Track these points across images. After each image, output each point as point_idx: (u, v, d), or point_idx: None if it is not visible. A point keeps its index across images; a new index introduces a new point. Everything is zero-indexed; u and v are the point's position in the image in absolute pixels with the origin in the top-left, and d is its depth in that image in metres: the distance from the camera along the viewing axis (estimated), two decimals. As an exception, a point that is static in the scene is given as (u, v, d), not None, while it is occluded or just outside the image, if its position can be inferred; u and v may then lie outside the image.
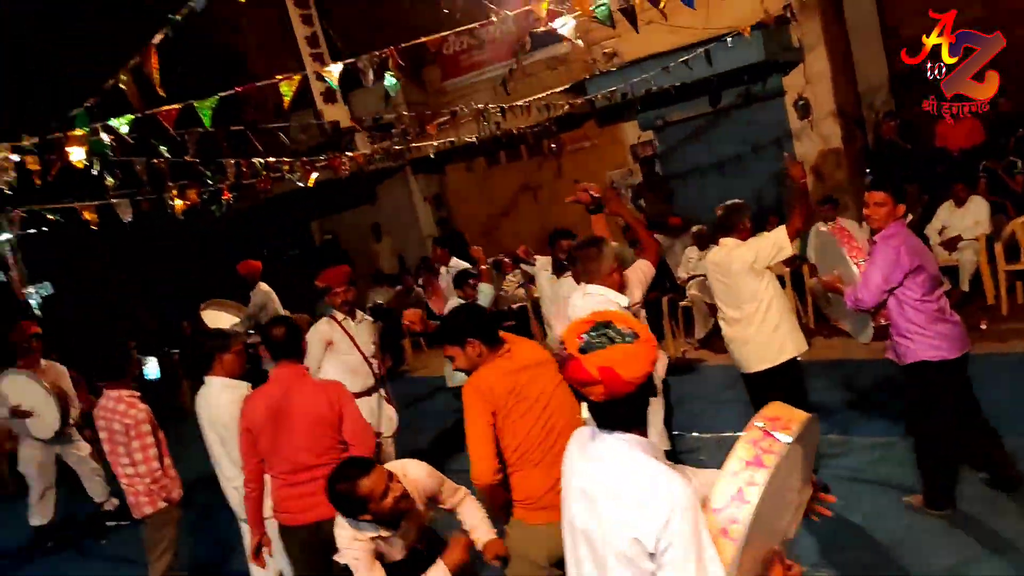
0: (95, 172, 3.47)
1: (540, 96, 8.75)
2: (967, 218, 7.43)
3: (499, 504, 2.90)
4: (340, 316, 4.92)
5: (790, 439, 1.67)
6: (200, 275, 14.42)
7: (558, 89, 9.35)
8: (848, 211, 8.73)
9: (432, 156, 12.50)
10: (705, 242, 8.26)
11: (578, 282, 3.85)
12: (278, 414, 3.22)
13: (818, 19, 9.00)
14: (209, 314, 8.63)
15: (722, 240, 4.68)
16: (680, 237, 9.88)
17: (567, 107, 9.90)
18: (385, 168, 12.76)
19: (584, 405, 1.84)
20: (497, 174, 12.88)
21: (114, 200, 4.51)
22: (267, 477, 3.42)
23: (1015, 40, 8.14)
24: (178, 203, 4.79)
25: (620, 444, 1.78)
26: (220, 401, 3.63)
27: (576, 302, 3.66)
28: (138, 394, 4.18)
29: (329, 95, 11.23)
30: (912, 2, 8.74)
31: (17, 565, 6.38)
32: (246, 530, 3.62)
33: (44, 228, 5.82)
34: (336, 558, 2.79)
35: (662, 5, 4.25)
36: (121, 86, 2.70)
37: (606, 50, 10.24)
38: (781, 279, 6.62)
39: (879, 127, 9.09)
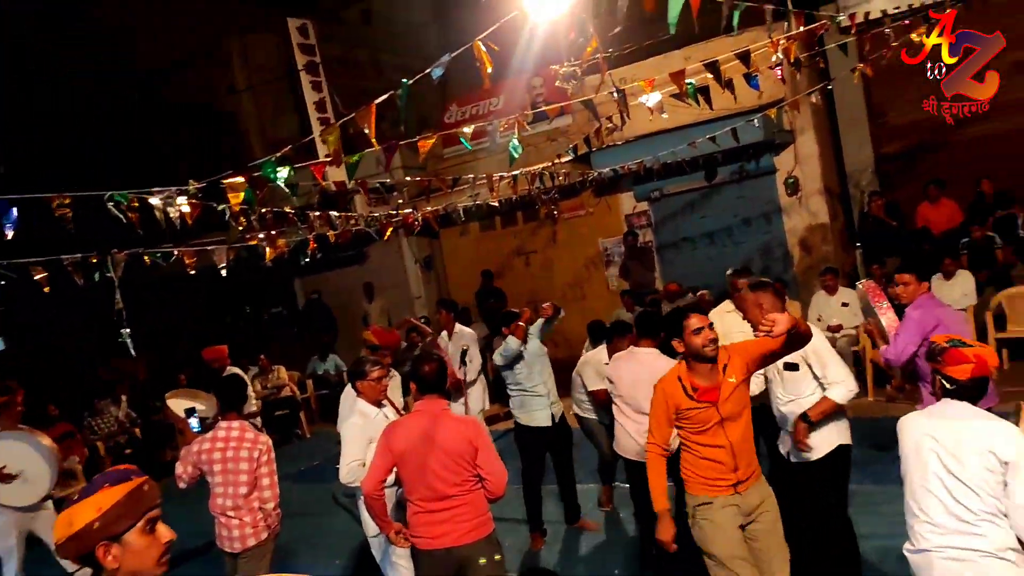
0: (227, 218, 3.68)
1: (545, 166, 9.17)
2: (955, 290, 8.07)
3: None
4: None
5: None
6: (188, 328, 14.29)
7: (563, 160, 9.86)
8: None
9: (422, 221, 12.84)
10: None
11: None
12: (422, 444, 3.42)
13: (809, 107, 9.80)
14: (174, 403, 8.23)
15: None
16: (675, 303, 10.37)
17: (566, 178, 10.43)
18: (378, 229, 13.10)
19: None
20: (491, 239, 13.27)
21: (211, 247, 4.68)
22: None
23: (1008, 143, 9.13)
24: (268, 251, 4.97)
25: (972, 408, 2.82)
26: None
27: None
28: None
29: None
30: (895, 95, 9.67)
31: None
32: (375, 544, 4.02)
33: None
34: None
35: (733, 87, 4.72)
36: (321, 141, 2.95)
37: (608, 125, 10.87)
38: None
39: (866, 205, 9.84)
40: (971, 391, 2.82)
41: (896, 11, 6.50)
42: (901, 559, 3.01)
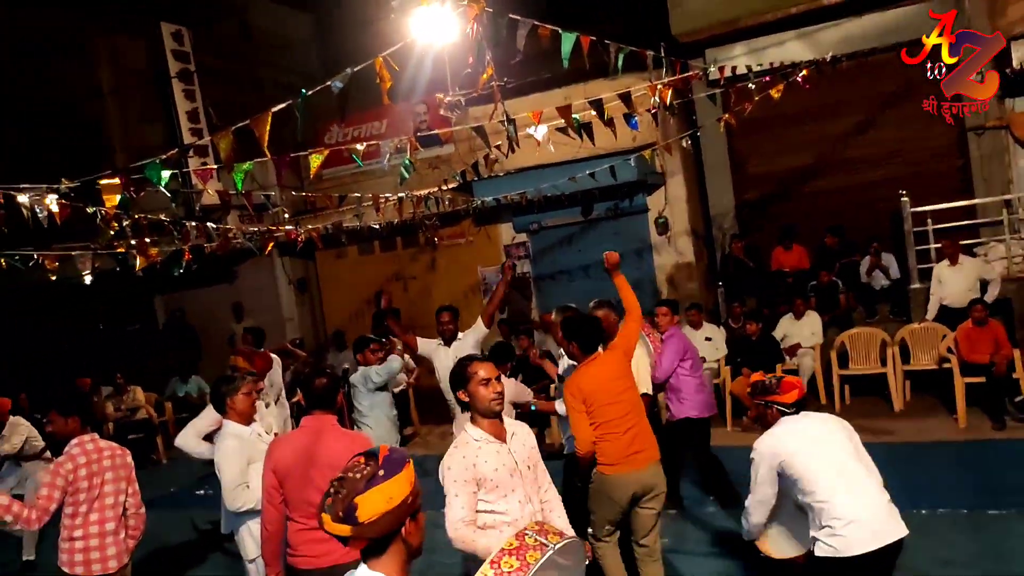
0: (100, 222, 3.48)
1: (429, 191, 9.25)
2: (804, 329, 8.76)
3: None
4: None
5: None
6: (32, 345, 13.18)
7: (447, 187, 9.96)
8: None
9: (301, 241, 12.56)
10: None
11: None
12: (307, 460, 3.33)
13: (679, 152, 10.42)
14: None
15: None
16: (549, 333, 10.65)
17: (451, 205, 10.56)
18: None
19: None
20: (369, 263, 13.13)
21: (75, 252, 4.38)
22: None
23: (850, 196, 10.07)
24: (139, 259, 4.68)
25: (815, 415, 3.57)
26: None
27: None
28: None
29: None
30: (754, 147, 10.52)
31: None
32: (252, 569, 3.86)
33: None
34: None
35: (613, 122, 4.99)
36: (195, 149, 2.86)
37: (491, 156, 11.09)
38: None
39: (727, 247, 10.52)
40: (799, 409, 3.54)
41: (759, 67, 7.07)
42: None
